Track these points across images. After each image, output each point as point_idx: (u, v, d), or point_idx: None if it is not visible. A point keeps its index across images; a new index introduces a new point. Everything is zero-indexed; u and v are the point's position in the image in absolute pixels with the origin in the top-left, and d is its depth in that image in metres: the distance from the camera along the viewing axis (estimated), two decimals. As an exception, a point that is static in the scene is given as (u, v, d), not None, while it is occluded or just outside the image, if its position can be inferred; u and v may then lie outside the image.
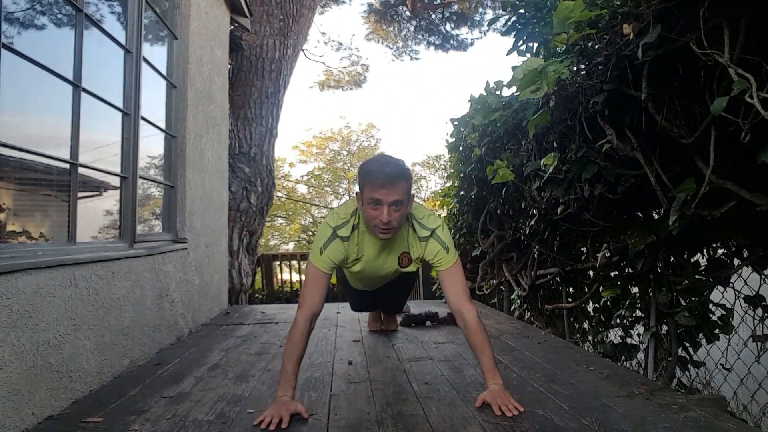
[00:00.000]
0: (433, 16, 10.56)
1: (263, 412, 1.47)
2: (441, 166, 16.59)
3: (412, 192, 1.68)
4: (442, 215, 4.73)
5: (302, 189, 17.06)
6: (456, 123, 3.83)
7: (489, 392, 1.57)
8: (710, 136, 1.55)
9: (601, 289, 2.45)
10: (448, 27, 10.56)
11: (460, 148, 3.82)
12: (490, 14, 9.85)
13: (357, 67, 12.30)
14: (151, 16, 2.59)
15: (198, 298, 3.00)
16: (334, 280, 2.60)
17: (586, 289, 2.75)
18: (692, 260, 2.06)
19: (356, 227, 1.73)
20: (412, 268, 1.86)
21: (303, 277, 6.30)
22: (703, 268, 2.02)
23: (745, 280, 1.96)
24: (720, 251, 2.01)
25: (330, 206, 16.90)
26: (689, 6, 1.47)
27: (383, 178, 1.54)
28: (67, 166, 1.78)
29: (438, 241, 1.72)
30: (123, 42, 2.24)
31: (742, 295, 1.95)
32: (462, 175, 3.79)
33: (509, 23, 2.20)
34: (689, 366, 2.06)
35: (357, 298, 2.52)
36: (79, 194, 1.83)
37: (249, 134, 5.16)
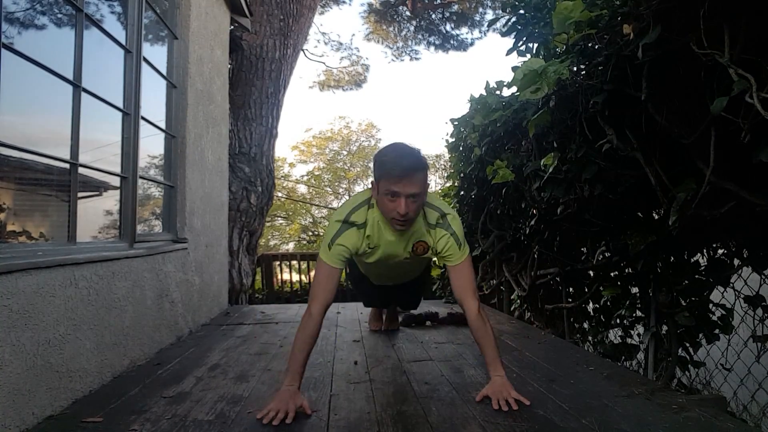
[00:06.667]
0: (433, 16, 10.57)
1: (267, 404, 1.47)
2: (441, 166, 16.56)
3: (428, 182, 1.62)
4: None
5: (302, 189, 17.03)
6: (456, 123, 3.83)
7: (490, 385, 1.57)
8: (710, 136, 1.55)
9: (601, 288, 2.45)
10: (448, 27, 10.57)
11: (460, 148, 3.82)
12: (490, 14, 9.87)
13: (357, 67, 12.30)
14: (151, 16, 2.59)
15: (198, 298, 3.00)
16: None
17: (586, 289, 2.75)
18: (692, 260, 2.06)
19: (370, 213, 1.67)
20: (429, 254, 1.78)
21: (303, 277, 6.31)
22: (703, 268, 2.02)
23: (745, 280, 1.96)
24: (720, 251, 2.01)
25: (330, 206, 16.90)
26: (689, 6, 1.47)
27: (400, 171, 1.47)
28: (67, 166, 1.78)
29: (449, 231, 1.66)
30: (123, 42, 2.24)
31: (742, 295, 1.95)
32: (462, 175, 3.79)
33: (509, 24, 2.20)
34: (689, 366, 2.06)
35: (371, 293, 2.51)
36: (79, 194, 1.83)
37: (249, 134, 5.16)
